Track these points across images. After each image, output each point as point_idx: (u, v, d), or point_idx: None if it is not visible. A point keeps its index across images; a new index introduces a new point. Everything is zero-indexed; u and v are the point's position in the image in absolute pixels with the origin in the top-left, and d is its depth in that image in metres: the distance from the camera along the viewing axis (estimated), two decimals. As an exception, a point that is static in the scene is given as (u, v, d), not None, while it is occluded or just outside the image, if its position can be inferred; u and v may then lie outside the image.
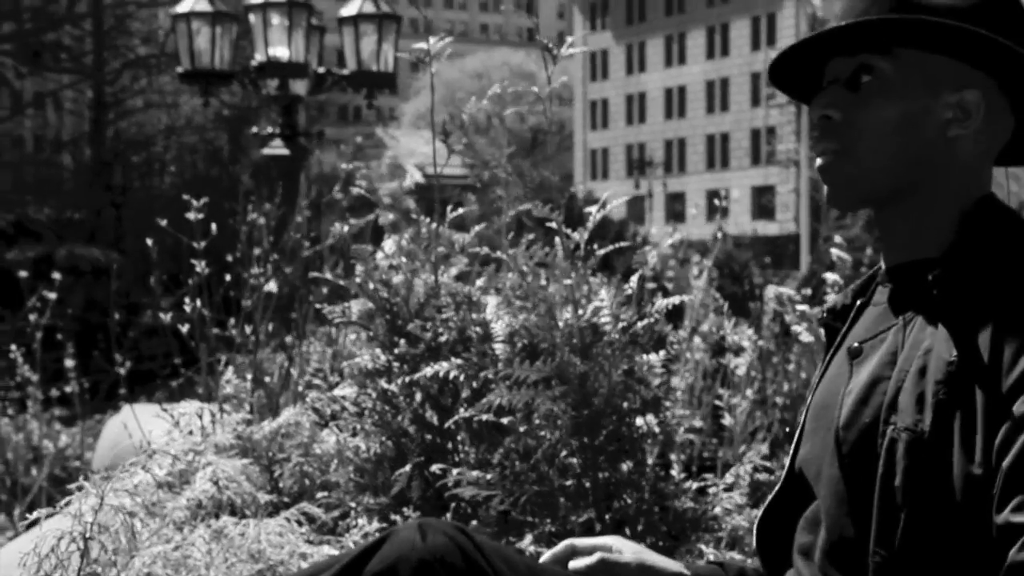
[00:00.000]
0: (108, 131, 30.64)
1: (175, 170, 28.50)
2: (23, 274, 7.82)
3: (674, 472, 3.60)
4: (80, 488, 2.82)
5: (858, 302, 2.09)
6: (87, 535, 2.73)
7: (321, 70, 11.19)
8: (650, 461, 3.46)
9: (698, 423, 4.86)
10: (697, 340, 5.44)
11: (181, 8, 10.95)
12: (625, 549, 2.15)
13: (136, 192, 25.95)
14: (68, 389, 7.07)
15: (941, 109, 1.91)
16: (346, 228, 4.21)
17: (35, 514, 2.74)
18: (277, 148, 10.61)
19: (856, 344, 2.00)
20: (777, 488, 2.13)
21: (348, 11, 10.93)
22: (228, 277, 5.00)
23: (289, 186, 6.40)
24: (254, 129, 11.78)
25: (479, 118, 56.76)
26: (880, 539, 1.84)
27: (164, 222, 4.39)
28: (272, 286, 4.93)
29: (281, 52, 10.64)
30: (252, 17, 10.83)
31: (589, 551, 2.11)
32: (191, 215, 4.27)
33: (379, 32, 10.82)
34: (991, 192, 1.97)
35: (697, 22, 79.25)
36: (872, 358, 1.96)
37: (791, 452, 2.12)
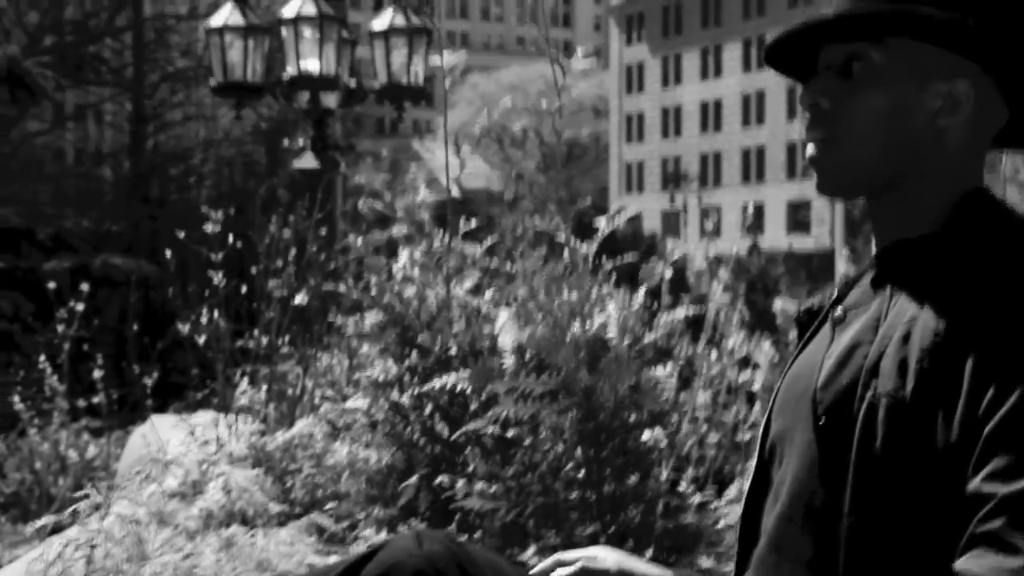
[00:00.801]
0: (147, 144, 30.85)
1: (212, 183, 28.66)
2: (52, 285, 7.88)
3: (682, 486, 3.60)
4: (87, 497, 2.86)
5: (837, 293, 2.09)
6: (93, 543, 2.77)
7: (352, 83, 11.21)
8: (663, 475, 3.46)
9: (713, 437, 4.85)
10: (715, 354, 5.42)
11: (214, 22, 11.00)
12: (609, 558, 2.16)
13: (174, 204, 26.12)
14: (96, 400, 7.12)
15: (930, 99, 1.91)
16: (360, 241, 4.24)
17: (40, 521, 2.78)
18: (307, 161, 10.65)
19: (840, 311, 2.00)
20: (750, 481, 2.12)
21: (379, 25, 10.93)
22: (244, 289, 5.03)
23: (317, 198, 6.42)
24: (286, 142, 11.85)
25: (515, 131, 56.82)
26: (855, 505, 1.83)
27: (182, 234, 4.43)
28: (301, 298, 4.95)
29: (312, 65, 10.64)
30: (284, 31, 10.83)
31: (573, 562, 2.13)
32: (209, 227, 4.31)
33: (409, 45, 10.83)
34: (982, 183, 1.97)
35: (733, 34, 79.14)
36: (854, 324, 1.95)
37: (759, 442, 2.12)
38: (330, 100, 11.00)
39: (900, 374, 1.81)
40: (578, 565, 2.11)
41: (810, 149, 1.99)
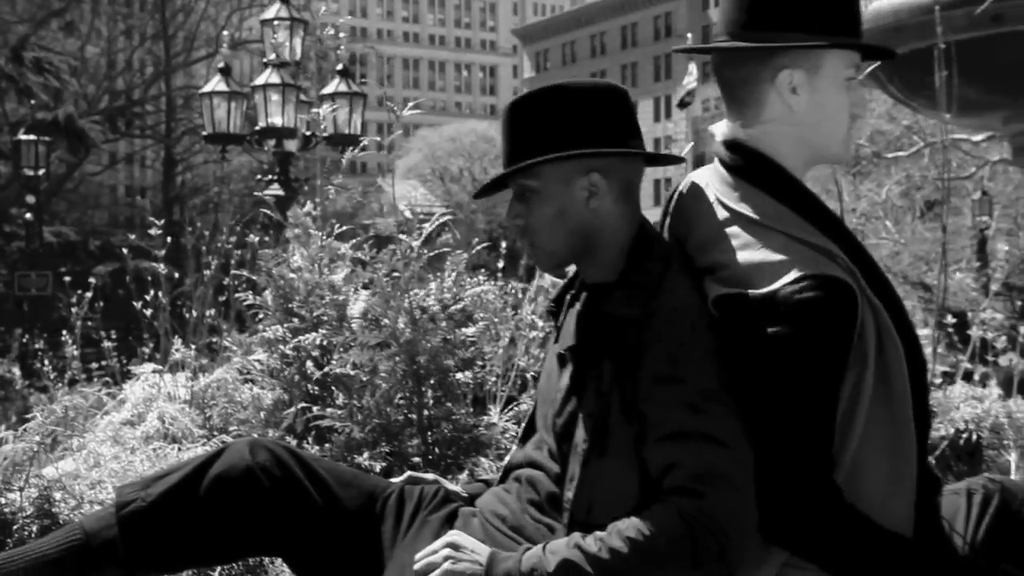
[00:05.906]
0: (176, 181, 30.91)
1: (227, 209, 28.63)
2: (92, 281, 7.87)
3: (491, 412, 3.72)
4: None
5: (569, 296, 2.26)
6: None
7: (307, 133, 11.32)
8: (470, 404, 3.57)
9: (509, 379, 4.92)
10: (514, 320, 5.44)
11: (206, 89, 11.15)
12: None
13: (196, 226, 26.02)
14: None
15: (579, 192, 2.06)
16: (255, 239, 4.35)
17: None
18: (275, 190, 10.71)
19: (562, 352, 2.13)
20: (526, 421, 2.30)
21: (328, 89, 11.17)
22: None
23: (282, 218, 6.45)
24: (258, 176, 11.88)
25: (454, 171, 57.01)
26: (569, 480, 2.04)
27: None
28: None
29: (277, 120, 10.78)
30: (256, 95, 10.97)
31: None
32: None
33: (350, 105, 11.02)
34: (642, 222, 2.12)
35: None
36: (568, 368, 2.10)
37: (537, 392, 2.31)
38: (291, 145, 11.11)
39: (595, 400, 2.00)
40: (406, 475, 2.34)
41: (525, 248, 2.15)
